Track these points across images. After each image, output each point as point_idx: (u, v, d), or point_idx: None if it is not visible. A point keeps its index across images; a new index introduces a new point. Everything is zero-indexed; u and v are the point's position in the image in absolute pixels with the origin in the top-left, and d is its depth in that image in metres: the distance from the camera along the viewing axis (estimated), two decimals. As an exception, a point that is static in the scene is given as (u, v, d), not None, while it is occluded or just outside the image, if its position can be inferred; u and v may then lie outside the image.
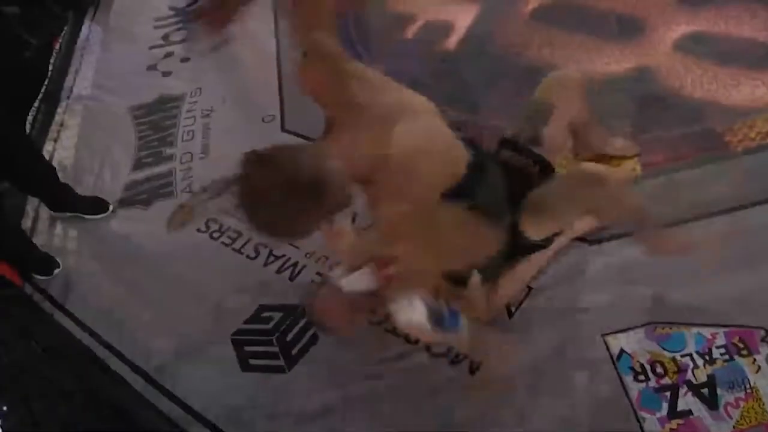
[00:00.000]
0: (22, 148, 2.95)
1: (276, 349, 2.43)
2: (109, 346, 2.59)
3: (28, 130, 3.59)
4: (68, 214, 3.10)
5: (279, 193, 1.48)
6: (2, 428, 2.43)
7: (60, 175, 3.11)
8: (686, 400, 2.01)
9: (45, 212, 3.16)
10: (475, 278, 2.08)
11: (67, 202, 3.09)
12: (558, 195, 2.06)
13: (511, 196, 2.07)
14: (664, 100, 2.93)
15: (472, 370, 2.24)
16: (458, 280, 2.06)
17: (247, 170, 1.51)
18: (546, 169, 2.17)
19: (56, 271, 2.91)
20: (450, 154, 1.83)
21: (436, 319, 1.84)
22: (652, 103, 2.94)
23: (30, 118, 3.71)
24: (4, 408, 2.48)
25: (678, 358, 2.10)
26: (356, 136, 1.67)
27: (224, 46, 3.88)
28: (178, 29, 4.15)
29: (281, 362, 2.39)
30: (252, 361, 2.42)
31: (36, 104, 3.81)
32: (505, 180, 2.07)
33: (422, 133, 1.72)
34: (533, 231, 2.06)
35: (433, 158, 1.72)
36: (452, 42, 3.49)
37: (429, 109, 1.86)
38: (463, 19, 3.57)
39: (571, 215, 2.16)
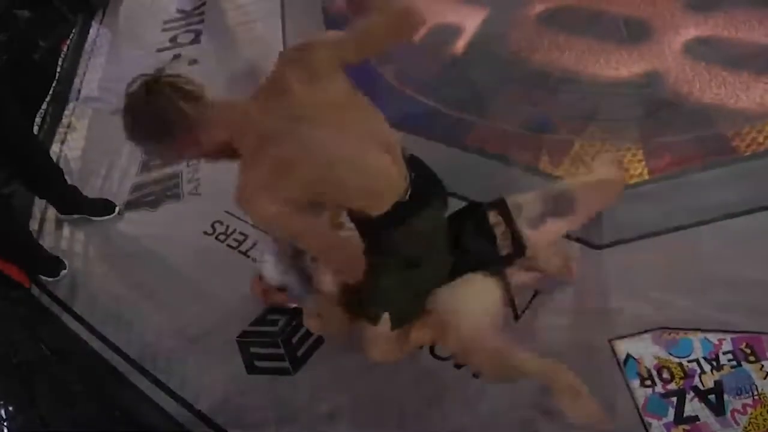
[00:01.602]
0: (32, 149, 2.96)
1: (282, 351, 2.43)
2: (116, 348, 2.59)
3: (36, 132, 3.62)
4: (76, 216, 3.11)
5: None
6: (8, 429, 2.44)
7: (67, 177, 3.12)
8: (693, 406, 2.00)
9: (52, 214, 3.18)
10: (386, 319, 2.04)
11: (75, 203, 3.10)
12: None
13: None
14: (672, 105, 2.92)
15: (476, 374, 2.23)
16: (370, 316, 2.05)
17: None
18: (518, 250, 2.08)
19: (63, 272, 2.92)
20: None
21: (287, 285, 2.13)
22: (661, 107, 2.93)
23: (38, 119, 3.74)
24: (11, 408, 2.50)
25: (685, 363, 2.09)
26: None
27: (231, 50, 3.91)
28: (186, 31, 4.16)
29: (287, 364, 2.39)
30: (258, 363, 2.42)
31: (44, 106, 3.83)
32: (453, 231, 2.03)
33: None
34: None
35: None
36: (460, 45, 3.49)
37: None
38: (472, 23, 3.57)
39: None
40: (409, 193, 1.89)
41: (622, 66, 3.16)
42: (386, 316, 2.01)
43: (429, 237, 1.97)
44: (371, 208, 1.84)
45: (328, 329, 2.27)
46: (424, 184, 1.97)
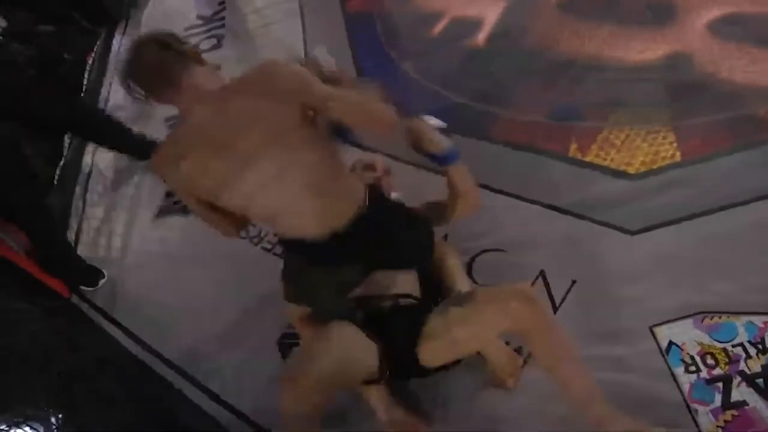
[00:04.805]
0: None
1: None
2: (157, 353, 2.63)
3: (66, 146, 3.67)
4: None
5: None
6: (59, 438, 2.49)
7: (99, 187, 3.18)
8: (740, 391, 1.97)
9: (89, 224, 3.22)
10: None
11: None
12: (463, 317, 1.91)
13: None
14: (701, 86, 2.88)
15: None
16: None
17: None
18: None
19: (102, 281, 2.96)
20: None
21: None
22: (689, 89, 2.90)
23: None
24: (60, 416, 2.54)
25: (729, 348, 2.06)
26: None
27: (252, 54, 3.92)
28: (208, 37, 4.19)
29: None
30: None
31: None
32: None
33: None
34: (430, 359, 1.97)
35: None
36: (481, 38, 3.47)
37: None
38: (491, 14, 3.55)
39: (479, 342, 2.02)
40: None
41: (646, 49, 3.12)
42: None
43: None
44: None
45: None
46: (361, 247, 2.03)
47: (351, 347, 1.93)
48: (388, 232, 2.08)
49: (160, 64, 1.92)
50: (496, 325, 1.89)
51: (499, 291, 1.96)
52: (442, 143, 2.16)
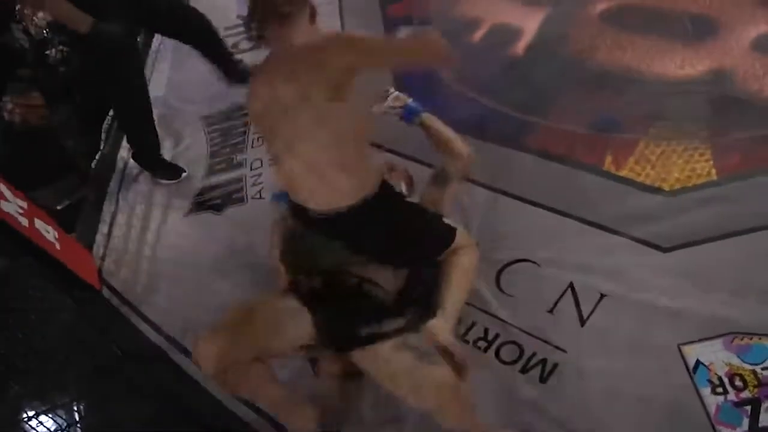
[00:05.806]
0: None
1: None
2: (184, 350, 2.65)
3: (104, 137, 3.74)
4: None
5: None
6: (81, 428, 2.53)
7: (133, 182, 3.29)
8: (769, 416, 1.94)
9: (122, 218, 3.28)
10: None
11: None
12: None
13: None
14: (741, 102, 2.85)
15: (543, 378, 2.21)
16: None
17: None
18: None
19: (183, 174, 3.36)
20: None
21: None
22: (729, 105, 2.87)
23: (105, 126, 3.83)
24: (82, 407, 2.59)
25: (759, 371, 2.03)
26: None
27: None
28: (247, 37, 4.22)
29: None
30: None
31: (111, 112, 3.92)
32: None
33: None
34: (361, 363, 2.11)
35: None
36: (521, 46, 3.46)
37: None
38: (532, 23, 3.54)
39: None
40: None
41: (687, 64, 3.09)
42: None
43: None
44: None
45: None
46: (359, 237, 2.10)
47: (277, 310, 2.08)
48: (383, 229, 2.10)
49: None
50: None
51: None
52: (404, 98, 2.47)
